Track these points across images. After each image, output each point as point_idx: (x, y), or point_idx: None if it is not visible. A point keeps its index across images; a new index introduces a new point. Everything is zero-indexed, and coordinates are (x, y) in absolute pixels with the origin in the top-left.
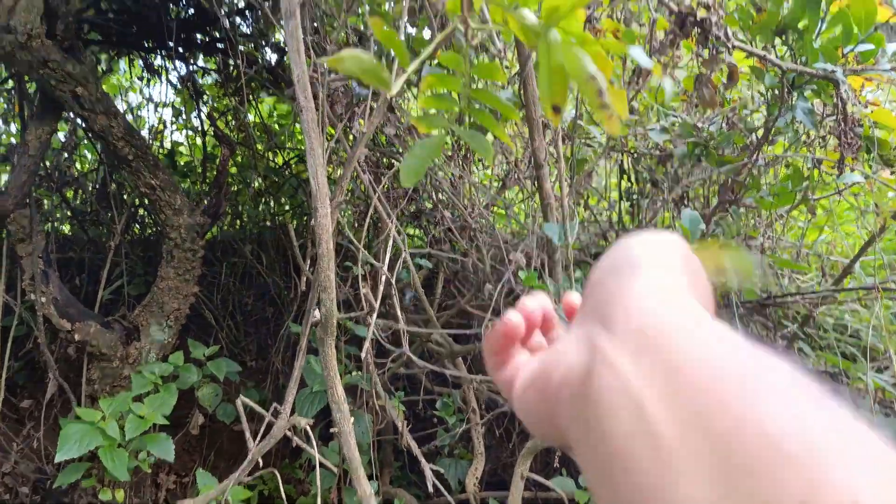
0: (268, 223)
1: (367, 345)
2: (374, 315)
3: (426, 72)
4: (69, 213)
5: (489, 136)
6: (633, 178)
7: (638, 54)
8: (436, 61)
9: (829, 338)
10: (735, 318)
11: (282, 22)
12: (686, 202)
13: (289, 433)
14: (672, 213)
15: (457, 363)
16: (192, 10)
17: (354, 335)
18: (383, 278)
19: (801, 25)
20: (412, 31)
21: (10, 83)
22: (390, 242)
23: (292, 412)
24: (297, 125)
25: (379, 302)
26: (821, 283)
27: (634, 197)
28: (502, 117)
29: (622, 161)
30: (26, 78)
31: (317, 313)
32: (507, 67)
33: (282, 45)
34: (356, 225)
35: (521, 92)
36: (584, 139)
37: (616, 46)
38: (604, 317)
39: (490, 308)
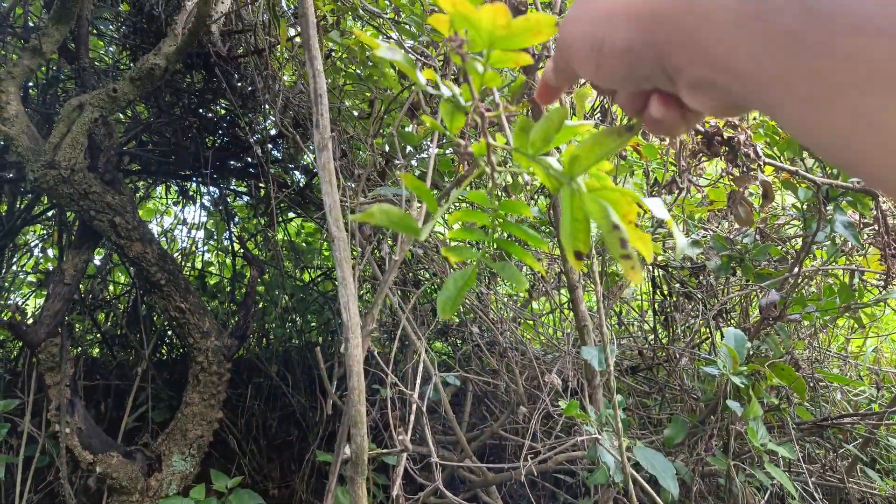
0: (294, 341)
1: (398, 481)
2: (405, 454)
3: (452, 205)
4: (99, 337)
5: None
6: (665, 291)
7: (654, 206)
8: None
9: (894, 460)
10: (792, 440)
11: (310, 146)
12: (724, 316)
13: None
14: (710, 327)
15: (490, 491)
16: (226, 139)
17: (381, 462)
18: (414, 407)
19: None
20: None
21: (51, 212)
22: (420, 366)
23: None
24: (324, 243)
25: (409, 434)
26: (876, 399)
27: (668, 310)
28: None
29: (654, 274)
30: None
31: (347, 450)
32: (534, 183)
33: (310, 167)
34: (383, 344)
35: (551, 214)
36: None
37: (634, 196)
38: None
39: (527, 433)
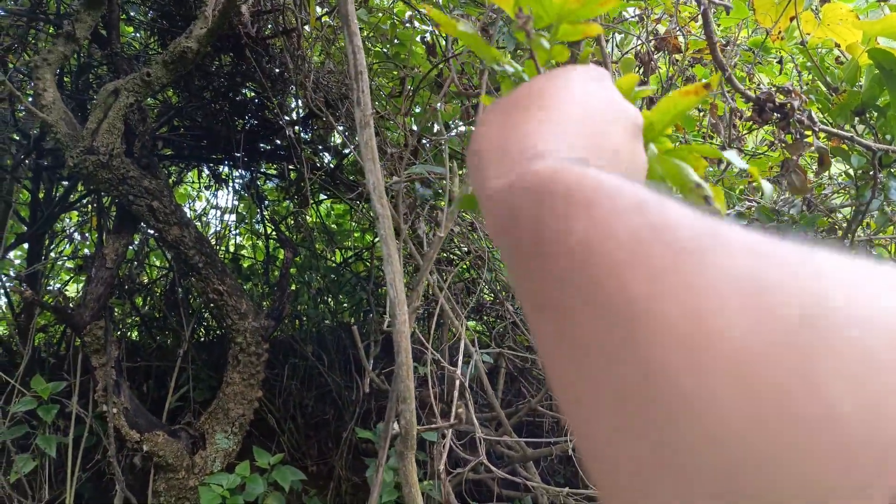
0: (328, 322)
1: (444, 457)
2: (451, 429)
3: None
4: (138, 320)
5: None
6: None
7: (733, 157)
8: None
9: None
10: None
11: (340, 127)
12: None
13: None
14: None
15: (528, 466)
16: (256, 122)
17: (420, 438)
18: (457, 383)
19: (880, 103)
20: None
21: (87, 199)
22: (462, 344)
23: None
24: (355, 224)
25: (454, 410)
26: None
27: None
28: None
29: None
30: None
31: (396, 426)
32: None
33: (340, 148)
34: (419, 323)
35: None
36: None
37: (711, 151)
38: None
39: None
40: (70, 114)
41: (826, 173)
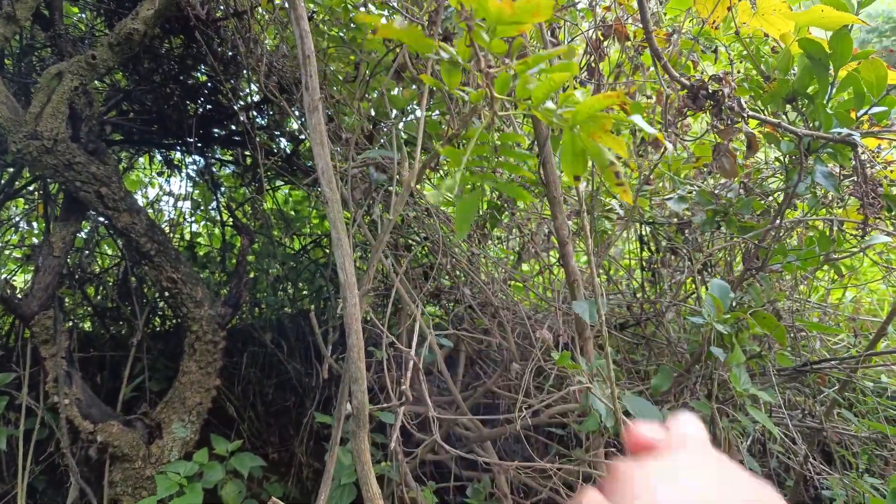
0: (287, 309)
1: (396, 434)
2: (403, 406)
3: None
4: (90, 310)
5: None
6: (652, 248)
7: (640, 121)
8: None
9: (870, 402)
10: (773, 385)
11: (296, 112)
12: (709, 270)
13: None
14: (696, 281)
15: (486, 446)
16: (209, 106)
17: (379, 421)
18: (411, 364)
19: (810, 91)
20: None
21: (34, 186)
22: (417, 326)
23: None
24: (313, 210)
25: (403, 389)
26: (854, 345)
27: (655, 266)
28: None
29: (640, 231)
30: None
31: (348, 406)
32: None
33: (296, 134)
34: (376, 310)
35: (541, 171)
36: (602, 211)
37: (621, 118)
38: None
39: (520, 389)
40: (12, 98)
41: (763, 158)
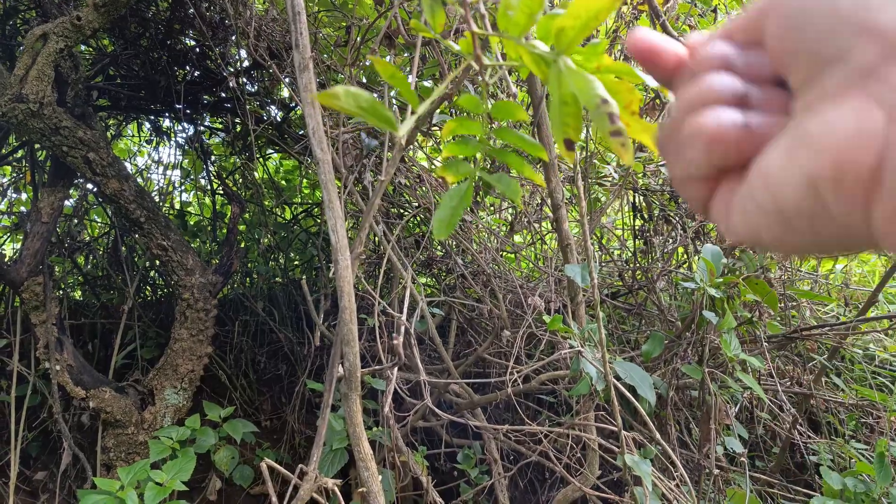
0: (279, 279)
1: (388, 399)
2: (396, 369)
3: (437, 119)
4: (81, 279)
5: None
6: (645, 216)
7: (648, 77)
8: (442, 116)
9: (859, 369)
10: (764, 353)
11: (286, 80)
12: (702, 238)
13: (316, 495)
14: (689, 248)
15: (476, 413)
16: (197, 73)
17: (370, 388)
18: (402, 329)
19: None
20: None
21: (21, 152)
22: (408, 293)
23: None
24: (305, 180)
25: (398, 356)
26: (844, 314)
27: (648, 234)
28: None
29: (634, 199)
30: (37, 146)
31: (340, 369)
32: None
33: (287, 101)
34: (367, 279)
35: (535, 134)
36: (596, 178)
37: (628, 70)
38: None
39: (511, 356)
40: None
41: None
